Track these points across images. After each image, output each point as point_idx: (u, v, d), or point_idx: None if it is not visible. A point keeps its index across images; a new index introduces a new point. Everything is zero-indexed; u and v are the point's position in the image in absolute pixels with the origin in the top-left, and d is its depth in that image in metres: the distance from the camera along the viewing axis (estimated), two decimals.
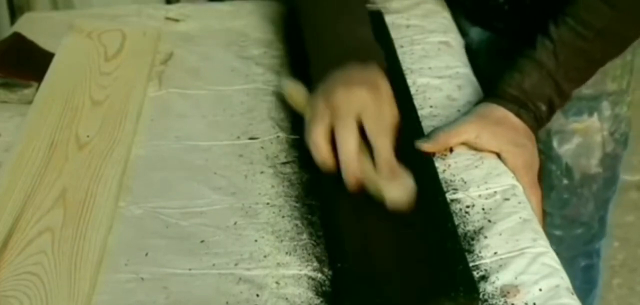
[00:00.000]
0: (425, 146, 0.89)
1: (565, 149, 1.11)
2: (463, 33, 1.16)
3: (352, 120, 0.82)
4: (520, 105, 0.91)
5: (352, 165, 0.80)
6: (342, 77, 0.86)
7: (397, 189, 0.78)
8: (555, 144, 1.11)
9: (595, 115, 1.10)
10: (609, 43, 0.95)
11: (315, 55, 0.96)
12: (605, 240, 1.22)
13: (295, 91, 0.94)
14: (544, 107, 0.92)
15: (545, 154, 1.09)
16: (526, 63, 0.93)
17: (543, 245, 0.78)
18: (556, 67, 0.92)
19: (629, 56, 1.10)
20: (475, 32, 1.16)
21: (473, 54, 1.12)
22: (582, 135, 1.11)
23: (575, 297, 0.73)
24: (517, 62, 0.94)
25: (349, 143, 0.81)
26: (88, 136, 0.91)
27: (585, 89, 1.05)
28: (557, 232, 1.14)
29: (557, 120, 1.07)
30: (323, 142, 0.82)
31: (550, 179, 1.12)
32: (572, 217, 1.14)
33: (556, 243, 1.14)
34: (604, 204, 1.18)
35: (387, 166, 0.80)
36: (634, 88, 1.13)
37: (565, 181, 1.12)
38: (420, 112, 0.96)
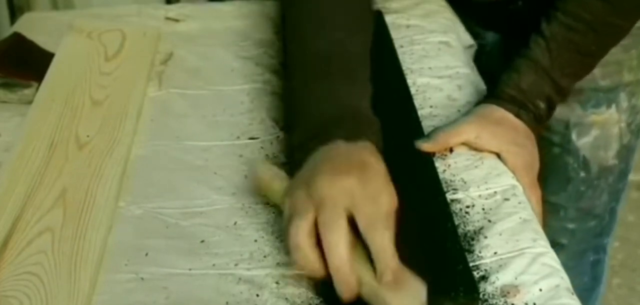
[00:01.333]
0: (425, 146, 0.89)
1: (583, 142, 1.11)
2: (475, 35, 1.16)
3: (341, 214, 0.67)
4: (520, 106, 0.92)
5: (346, 273, 0.66)
6: (327, 161, 0.72)
7: (405, 300, 0.65)
8: (574, 136, 1.11)
9: (613, 106, 1.10)
10: (602, 35, 0.95)
11: (297, 120, 0.82)
12: (612, 237, 1.24)
13: (270, 176, 0.79)
14: (542, 105, 0.93)
15: (563, 147, 1.10)
16: (522, 62, 0.94)
17: (543, 245, 0.78)
18: (551, 64, 0.93)
19: None
20: (490, 35, 1.16)
21: (487, 55, 1.12)
22: (601, 127, 1.11)
23: (575, 297, 0.73)
24: (514, 62, 0.94)
25: (339, 246, 0.66)
26: (88, 136, 0.91)
27: (603, 81, 1.06)
28: (571, 226, 1.15)
29: (576, 112, 1.08)
30: (308, 244, 0.68)
31: (567, 172, 1.12)
32: (586, 210, 1.15)
33: (568, 237, 1.14)
34: (616, 195, 1.18)
35: (390, 271, 0.66)
36: None
37: (582, 174, 1.12)
38: (420, 112, 0.96)
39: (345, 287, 0.66)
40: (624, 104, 1.10)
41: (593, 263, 1.21)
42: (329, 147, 0.73)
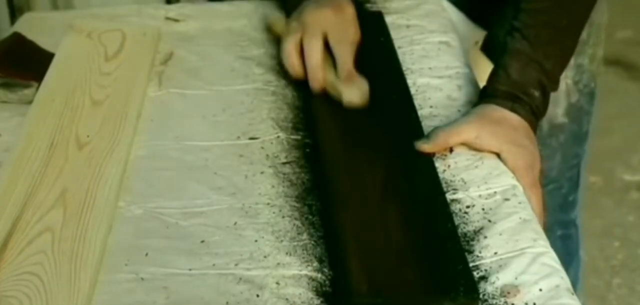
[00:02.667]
0: (425, 146, 0.89)
1: None
2: None
3: (318, 34, 0.98)
4: (513, 100, 0.92)
5: (316, 71, 0.97)
6: (313, 2, 1.02)
7: (353, 91, 0.95)
8: None
9: None
10: (567, 7, 0.96)
11: None
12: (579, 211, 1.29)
13: (277, 20, 1.10)
14: (536, 93, 0.93)
15: None
16: (505, 58, 0.95)
17: (543, 245, 0.78)
18: (532, 49, 0.94)
19: None
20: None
21: None
22: None
23: (575, 297, 0.73)
24: (498, 62, 0.96)
25: (314, 53, 0.97)
26: (88, 136, 0.91)
27: None
28: None
29: None
30: (294, 52, 0.99)
31: None
32: (543, 172, 1.17)
33: None
34: (572, 161, 1.22)
35: (346, 72, 0.96)
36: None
37: None
38: (420, 112, 0.96)
39: (315, 79, 0.97)
40: (570, 61, 1.12)
41: (562, 237, 1.26)
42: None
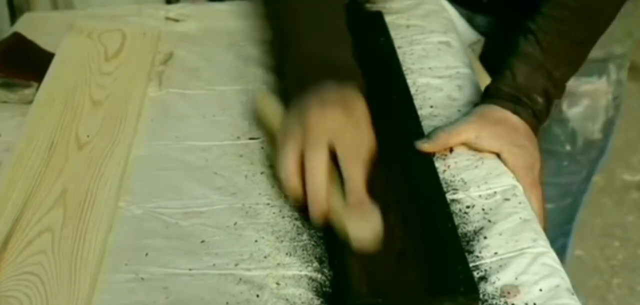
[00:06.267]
0: (425, 146, 0.89)
1: (573, 112, 1.12)
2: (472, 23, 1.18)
3: (324, 144, 0.76)
4: (516, 102, 0.92)
5: (320, 199, 0.75)
6: (317, 95, 0.80)
7: (361, 227, 0.74)
8: (564, 106, 1.11)
9: (604, 77, 1.11)
10: (588, 20, 0.95)
11: (291, 70, 0.91)
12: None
13: (269, 107, 0.89)
14: (540, 99, 0.92)
15: (552, 118, 1.09)
16: (514, 60, 0.94)
17: (543, 245, 0.78)
18: (543, 55, 0.92)
19: (629, 20, 1.10)
20: (481, 19, 1.17)
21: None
22: (590, 97, 1.12)
23: (575, 297, 0.73)
24: (506, 62, 0.94)
25: (318, 174, 0.75)
26: (88, 136, 0.91)
27: (595, 51, 1.05)
28: (548, 205, 1.15)
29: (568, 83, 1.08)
30: (295, 174, 0.77)
31: (552, 145, 1.12)
32: (565, 187, 1.15)
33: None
34: (591, 173, 1.20)
35: (356, 200, 0.75)
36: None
37: (568, 147, 1.14)
38: (420, 112, 0.96)
39: (317, 210, 0.75)
40: (613, 76, 1.12)
41: (559, 248, 1.25)
42: (320, 86, 0.82)
